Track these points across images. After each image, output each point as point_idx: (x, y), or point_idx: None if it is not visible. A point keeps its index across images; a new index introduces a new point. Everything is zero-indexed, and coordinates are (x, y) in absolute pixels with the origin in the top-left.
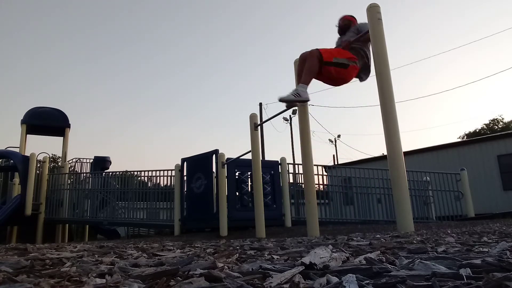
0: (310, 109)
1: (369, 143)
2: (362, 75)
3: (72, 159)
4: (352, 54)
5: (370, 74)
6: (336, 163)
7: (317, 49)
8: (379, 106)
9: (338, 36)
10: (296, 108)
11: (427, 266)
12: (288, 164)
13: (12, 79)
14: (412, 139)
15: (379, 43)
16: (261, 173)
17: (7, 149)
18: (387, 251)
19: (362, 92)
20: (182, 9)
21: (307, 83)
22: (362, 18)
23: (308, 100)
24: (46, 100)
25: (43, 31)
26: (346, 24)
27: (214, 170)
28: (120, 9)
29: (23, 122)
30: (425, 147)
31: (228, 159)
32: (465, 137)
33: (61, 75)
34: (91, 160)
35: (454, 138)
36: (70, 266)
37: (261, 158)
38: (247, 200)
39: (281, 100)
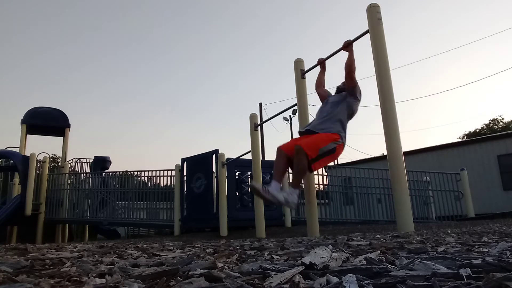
0: (310, 109)
1: (369, 143)
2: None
3: (72, 159)
4: (334, 134)
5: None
6: (336, 163)
7: (300, 147)
8: (379, 106)
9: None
10: (296, 108)
11: (427, 266)
12: None
13: (12, 79)
14: (412, 139)
15: (379, 43)
16: (261, 173)
17: (7, 149)
18: (387, 251)
19: (362, 92)
20: (183, 10)
21: (298, 186)
22: (362, 18)
23: (293, 206)
24: (46, 100)
25: (43, 31)
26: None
27: (214, 170)
28: (121, 9)
29: (23, 122)
30: (425, 147)
31: (228, 159)
32: (465, 137)
33: (61, 75)
34: (91, 160)
35: (454, 138)
36: (70, 266)
37: (261, 158)
38: (247, 200)
39: (266, 198)
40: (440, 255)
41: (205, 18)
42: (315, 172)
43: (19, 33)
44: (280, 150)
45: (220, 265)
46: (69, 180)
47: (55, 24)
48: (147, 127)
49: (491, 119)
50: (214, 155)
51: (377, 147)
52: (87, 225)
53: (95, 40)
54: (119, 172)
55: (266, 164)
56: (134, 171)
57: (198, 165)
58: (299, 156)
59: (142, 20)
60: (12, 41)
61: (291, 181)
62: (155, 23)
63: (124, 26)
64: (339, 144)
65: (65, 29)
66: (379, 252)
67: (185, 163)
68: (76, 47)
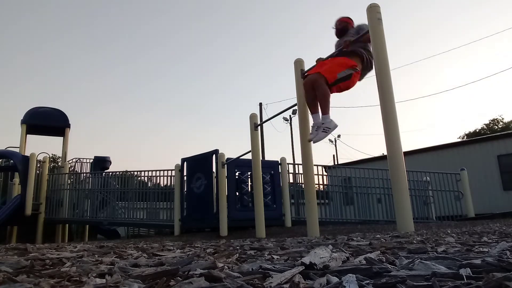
0: None
1: (369, 143)
2: (362, 75)
3: (72, 159)
4: (352, 61)
5: (370, 74)
6: (336, 163)
7: (319, 73)
8: (379, 106)
9: (336, 39)
10: (296, 108)
11: (427, 266)
12: (288, 164)
13: (12, 79)
14: (412, 139)
15: (379, 43)
16: (261, 173)
17: (7, 149)
18: (387, 251)
19: (362, 92)
20: (182, 7)
21: (328, 111)
22: (361, 18)
23: (336, 127)
24: (46, 100)
25: (42, 31)
26: (344, 27)
27: (214, 170)
28: (118, 2)
29: (23, 122)
30: (425, 147)
31: (228, 159)
32: (465, 137)
33: (61, 75)
34: (91, 160)
35: (454, 138)
36: (70, 266)
37: (261, 158)
38: (247, 200)
39: (314, 142)
40: (440, 255)
41: (205, 17)
42: (315, 172)
43: (19, 33)
44: (304, 85)
45: (220, 265)
46: (69, 180)
47: (54, 23)
48: (147, 127)
49: (491, 119)
50: (214, 155)
51: (377, 147)
52: (87, 225)
53: (95, 39)
54: (119, 172)
55: (266, 164)
56: (134, 171)
57: (198, 165)
58: (319, 83)
59: (141, 15)
60: (12, 41)
61: (320, 110)
62: (153, 19)
63: (122, 23)
64: (355, 71)
65: (63, 28)
66: (379, 252)
67: (185, 163)
68: (76, 45)
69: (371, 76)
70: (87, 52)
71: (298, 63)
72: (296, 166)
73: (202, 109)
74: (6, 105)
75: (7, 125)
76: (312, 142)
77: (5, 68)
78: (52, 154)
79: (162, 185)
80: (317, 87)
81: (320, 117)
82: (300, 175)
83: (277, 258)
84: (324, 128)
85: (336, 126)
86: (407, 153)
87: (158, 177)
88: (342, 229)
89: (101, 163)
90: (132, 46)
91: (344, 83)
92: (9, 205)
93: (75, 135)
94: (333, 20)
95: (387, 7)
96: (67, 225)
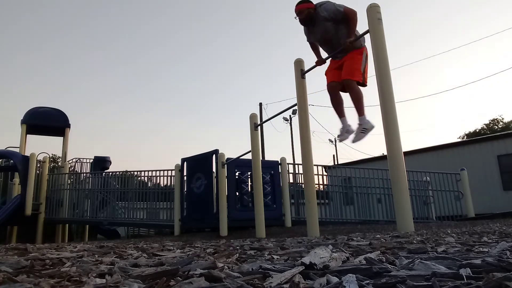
0: (310, 109)
1: (369, 143)
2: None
3: (72, 159)
4: (360, 49)
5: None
6: (336, 163)
7: (349, 79)
8: (379, 106)
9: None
10: (296, 108)
11: (427, 266)
12: (288, 164)
13: (12, 79)
14: (412, 139)
15: (379, 43)
16: (261, 173)
17: (7, 149)
18: (387, 251)
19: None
20: (182, 7)
21: (363, 112)
22: (362, 18)
23: (373, 127)
24: (46, 100)
25: (43, 31)
26: (307, 14)
27: (214, 170)
28: (118, 3)
29: (23, 122)
30: (425, 147)
31: (228, 159)
32: (465, 137)
33: (61, 75)
34: (91, 160)
35: (454, 138)
36: (70, 266)
37: (261, 158)
38: (247, 200)
39: (354, 142)
40: (440, 255)
41: (204, 17)
42: (315, 172)
43: (19, 33)
44: (331, 88)
45: (220, 265)
46: (69, 180)
47: (54, 23)
48: (147, 127)
49: (491, 119)
50: (214, 155)
51: (377, 147)
52: (87, 225)
53: (95, 39)
54: (119, 172)
55: (266, 164)
56: (134, 171)
57: (198, 165)
58: (352, 87)
59: (141, 15)
60: (12, 41)
61: (357, 113)
62: (153, 20)
63: (123, 23)
64: (367, 52)
65: (63, 28)
66: (379, 252)
67: (185, 163)
68: (76, 45)
69: (371, 76)
70: (87, 52)
71: (298, 63)
72: (296, 166)
73: (202, 109)
74: (6, 105)
75: (7, 125)
76: (352, 142)
77: (5, 68)
78: (52, 154)
79: (162, 185)
80: (351, 91)
81: (358, 119)
82: (300, 175)
83: (277, 258)
84: (362, 129)
85: (373, 126)
86: (407, 153)
87: (158, 177)
88: (342, 229)
89: (101, 163)
90: (132, 46)
91: (366, 66)
92: (9, 205)
93: (75, 135)
94: (293, 11)
95: (387, 7)
96: (67, 225)
